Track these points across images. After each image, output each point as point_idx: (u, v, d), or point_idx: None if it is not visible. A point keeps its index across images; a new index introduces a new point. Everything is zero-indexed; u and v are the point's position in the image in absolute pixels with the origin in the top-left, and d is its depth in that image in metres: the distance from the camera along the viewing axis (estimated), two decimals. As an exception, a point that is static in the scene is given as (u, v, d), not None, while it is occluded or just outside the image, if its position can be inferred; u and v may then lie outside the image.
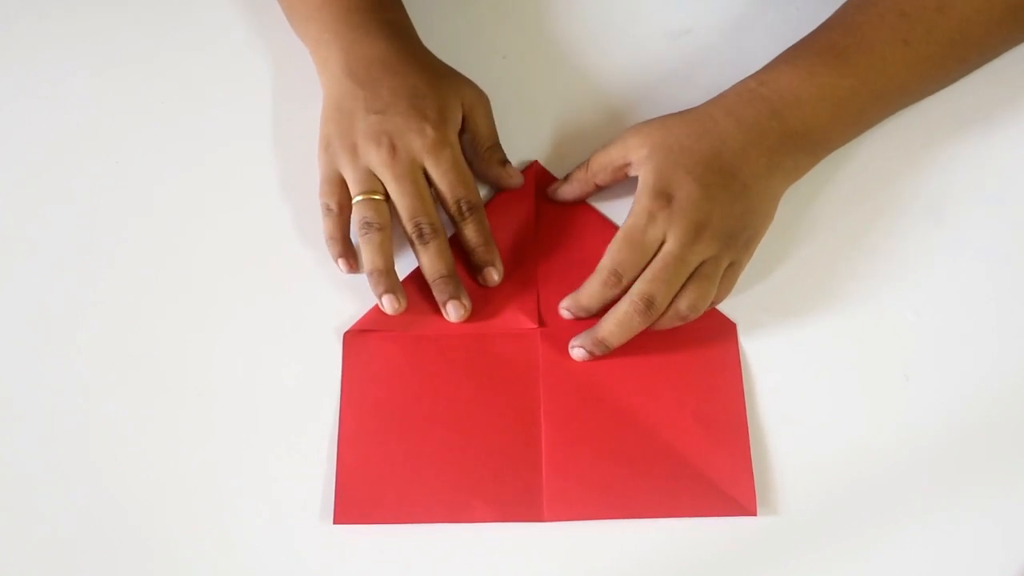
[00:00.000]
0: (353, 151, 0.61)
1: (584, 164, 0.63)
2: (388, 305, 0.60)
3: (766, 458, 0.58)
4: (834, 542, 0.56)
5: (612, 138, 0.62)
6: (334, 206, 0.62)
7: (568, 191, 0.64)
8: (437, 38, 0.65)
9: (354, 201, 0.61)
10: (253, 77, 0.69)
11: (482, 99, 0.64)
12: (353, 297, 0.62)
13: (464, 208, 0.61)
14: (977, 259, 0.62)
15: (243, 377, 0.60)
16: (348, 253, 0.62)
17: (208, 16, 0.71)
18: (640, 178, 0.59)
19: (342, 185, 0.62)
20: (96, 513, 0.57)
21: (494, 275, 0.62)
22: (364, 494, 0.57)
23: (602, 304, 0.59)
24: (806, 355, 0.60)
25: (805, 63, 0.61)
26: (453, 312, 0.60)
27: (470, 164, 0.63)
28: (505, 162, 0.64)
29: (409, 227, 0.60)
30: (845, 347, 0.60)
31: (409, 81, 0.61)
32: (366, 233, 0.60)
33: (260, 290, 0.62)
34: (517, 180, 0.64)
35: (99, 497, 0.57)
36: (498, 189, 0.65)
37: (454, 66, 0.64)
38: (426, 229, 0.60)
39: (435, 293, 0.61)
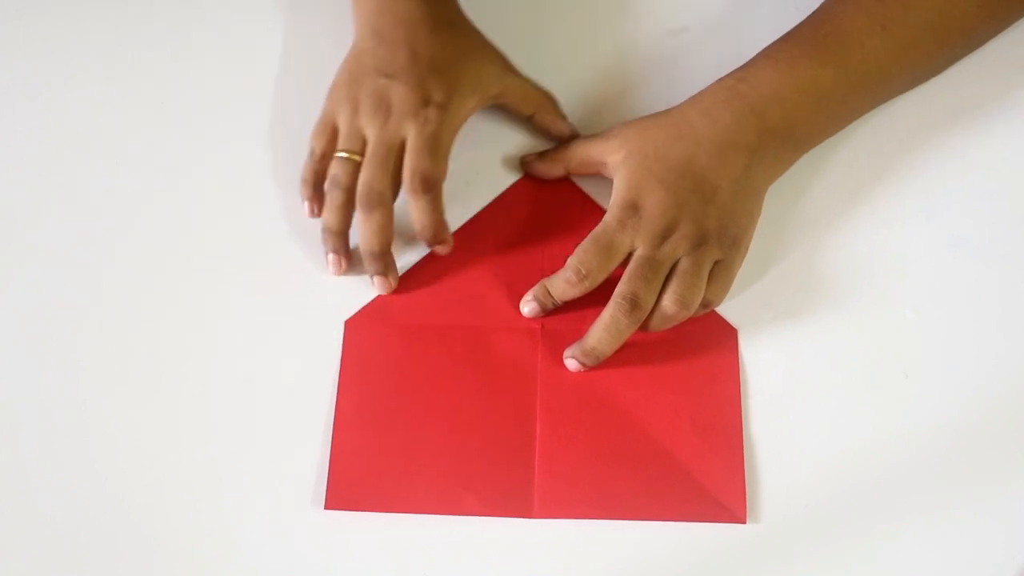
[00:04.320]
0: (355, 107, 0.62)
1: (564, 146, 0.64)
2: (331, 264, 0.61)
3: (764, 456, 0.57)
4: (834, 540, 0.56)
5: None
6: (319, 151, 0.63)
7: (540, 169, 0.64)
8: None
9: (336, 153, 0.62)
10: (255, 74, 0.69)
11: (505, 67, 0.64)
12: (356, 289, 0.62)
13: (418, 182, 0.60)
14: (976, 256, 0.62)
15: (243, 365, 0.60)
16: (315, 199, 0.63)
17: (208, 16, 0.71)
18: (614, 185, 0.60)
19: (334, 133, 0.63)
20: (93, 498, 0.57)
21: (445, 250, 0.62)
22: (356, 481, 0.57)
23: (566, 299, 0.59)
24: (804, 353, 0.60)
25: (784, 56, 0.61)
26: (379, 286, 0.61)
27: (530, 119, 0.65)
28: (563, 115, 0.65)
29: (360, 190, 0.60)
30: (844, 345, 0.60)
31: (429, 52, 0.62)
32: (332, 189, 0.61)
33: (262, 281, 0.62)
34: (567, 129, 0.65)
35: (95, 481, 0.57)
36: (554, 137, 0.65)
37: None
38: (373, 198, 0.60)
39: (365, 265, 0.61)
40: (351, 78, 0.62)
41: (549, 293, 0.60)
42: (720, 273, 0.59)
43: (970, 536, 0.56)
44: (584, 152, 0.63)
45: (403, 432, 0.58)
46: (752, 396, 0.59)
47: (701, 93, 0.61)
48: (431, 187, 0.61)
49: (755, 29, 0.66)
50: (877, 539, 0.55)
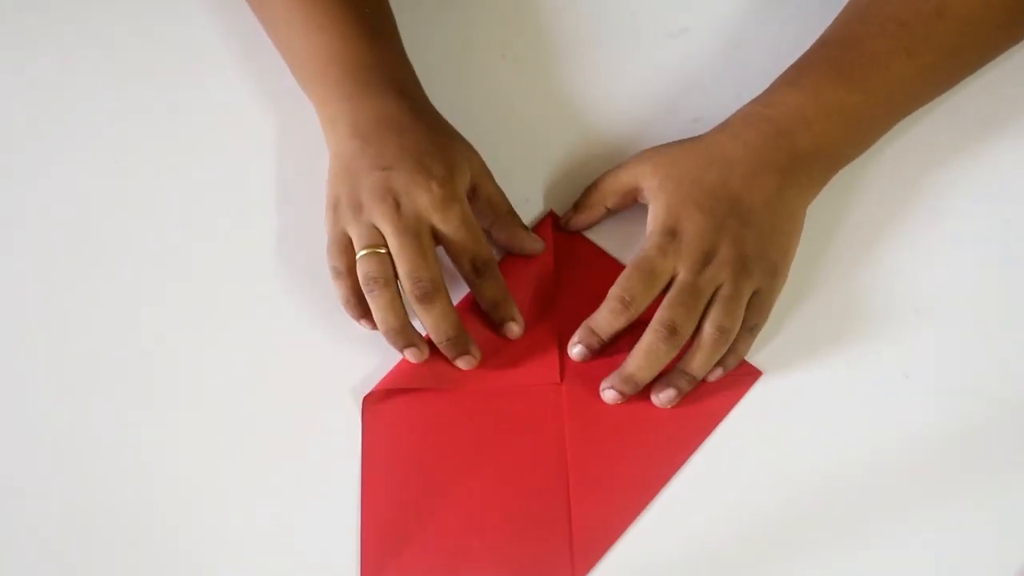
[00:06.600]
0: (358, 208, 0.58)
1: (593, 186, 0.63)
2: (412, 357, 0.59)
3: (765, 456, 0.57)
4: (833, 542, 0.56)
5: (609, 142, 0.62)
6: (343, 268, 0.59)
7: (582, 219, 0.63)
8: (434, 38, 0.65)
9: (357, 256, 0.58)
10: (255, 82, 0.69)
11: (485, 164, 0.62)
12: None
13: (479, 265, 0.59)
14: (977, 257, 0.62)
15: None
16: (368, 313, 0.59)
17: (210, 18, 0.71)
18: (650, 213, 0.60)
19: (350, 246, 0.59)
20: None
21: (516, 329, 0.60)
22: (388, 558, 0.56)
23: (612, 332, 0.59)
24: (805, 354, 0.60)
25: (809, 82, 0.61)
26: (464, 365, 0.59)
27: (488, 232, 0.62)
28: (525, 227, 0.63)
29: (408, 285, 0.57)
30: (845, 345, 0.60)
31: (416, 139, 0.59)
32: (372, 290, 0.58)
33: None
34: (539, 246, 0.62)
35: None
36: (519, 254, 0.63)
37: (451, 65, 0.64)
38: (427, 287, 0.57)
39: (444, 352, 0.59)
40: (347, 185, 0.59)
41: (594, 332, 0.59)
42: (760, 301, 0.59)
43: (970, 536, 0.56)
44: (617, 183, 0.61)
45: (431, 506, 0.57)
46: (753, 397, 0.59)
47: (729, 120, 0.61)
48: (488, 265, 0.59)
49: (755, 30, 0.67)
50: (876, 539, 0.56)
